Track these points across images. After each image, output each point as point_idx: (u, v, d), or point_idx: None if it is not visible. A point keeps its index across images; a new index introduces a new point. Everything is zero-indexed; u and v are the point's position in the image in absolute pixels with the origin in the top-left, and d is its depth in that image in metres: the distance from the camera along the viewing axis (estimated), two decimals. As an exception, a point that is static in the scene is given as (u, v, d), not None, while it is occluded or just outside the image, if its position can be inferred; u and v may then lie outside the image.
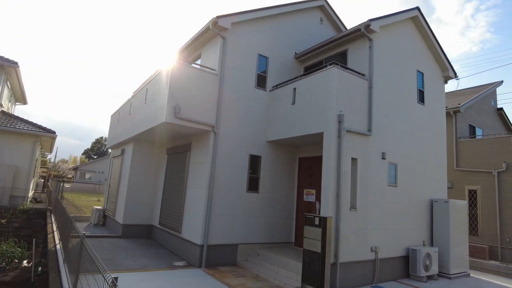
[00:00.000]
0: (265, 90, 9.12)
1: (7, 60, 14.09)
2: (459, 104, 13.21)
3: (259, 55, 9.12)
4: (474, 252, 11.14)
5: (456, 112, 13.22)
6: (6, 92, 15.47)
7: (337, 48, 8.88)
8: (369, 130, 7.71)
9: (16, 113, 19.61)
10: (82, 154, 71.47)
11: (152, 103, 8.51)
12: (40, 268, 6.03)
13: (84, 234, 4.63)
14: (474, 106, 14.34)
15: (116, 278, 2.80)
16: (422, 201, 8.97)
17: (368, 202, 7.50)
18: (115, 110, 13.34)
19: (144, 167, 10.85)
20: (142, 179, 10.77)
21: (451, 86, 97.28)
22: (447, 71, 10.24)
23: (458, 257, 8.79)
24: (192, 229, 8.17)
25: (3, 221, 10.33)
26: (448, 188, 12.43)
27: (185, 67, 7.87)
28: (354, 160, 7.43)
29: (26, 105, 20.09)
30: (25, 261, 6.25)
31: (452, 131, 13.20)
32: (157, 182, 11.06)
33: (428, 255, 8.10)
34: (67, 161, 72.08)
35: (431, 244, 9.00)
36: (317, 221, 6.16)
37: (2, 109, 15.35)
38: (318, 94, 7.56)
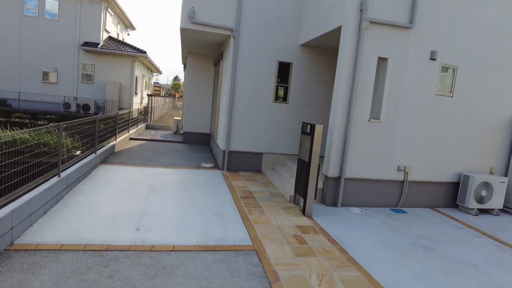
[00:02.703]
0: (299, -16, 7.81)
1: (102, -13, 15.95)
2: None
3: None
4: None
5: None
6: (110, 19, 17.84)
7: None
8: (411, 22, 5.90)
9: (129, 39, 22.70)
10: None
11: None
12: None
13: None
14: None
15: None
16: (496, 118, 6.78)
17: (399, 113, 6.14)
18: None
19: (198, 79, 11.39)
20: (197, 90, 11.42)
21: None
22: None
23: (544, 192, 6.64)
24: (220, 136, 8.50)
25: (101, 125, 12.91)
26: None
27: (198, -35, 7.33)
28: (382, 60, 6.00)
29: (135, 30, 22.93)
30: (79, 151, 7.84)
31: None
32: (210, 93, 11.58)
33: (486, 185, 6.38)
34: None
35: (505, 174, 6.99)
36: (308, 129, 5.50)
37: (110, 34, 17.96)
38: (341, -22, 6.04)
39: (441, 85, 6.35)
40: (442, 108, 6.39)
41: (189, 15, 7.28)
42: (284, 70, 8.08)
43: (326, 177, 6.10)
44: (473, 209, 6.42)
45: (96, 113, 16.20)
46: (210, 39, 8.58)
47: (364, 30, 5.68)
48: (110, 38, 17.73)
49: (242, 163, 8.17)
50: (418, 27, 5.97)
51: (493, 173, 6.88)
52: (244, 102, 7.91)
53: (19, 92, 15.70)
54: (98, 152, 7.35)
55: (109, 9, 17.46)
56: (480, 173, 6.76)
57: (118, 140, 9.34)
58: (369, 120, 6.00)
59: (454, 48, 6.24)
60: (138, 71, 18.28)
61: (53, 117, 14.42)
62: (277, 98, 8.13)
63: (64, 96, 16.14)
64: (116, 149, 9.09)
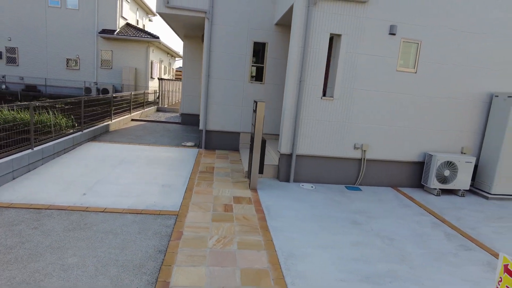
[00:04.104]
0: (272, -38, 7.79)
1: (116, -24, 16.73)
2: None
3: None
4: None
5: None
6: (126, 6, 18.70)
7: None
8: (366, -5, 5.77)
9: (151, 25, 23.61)
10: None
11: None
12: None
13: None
14: None
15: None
16: (469, 95, 6.44)
17: (355, 90, 6.09)
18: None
19: (192, 61, 11.76)
20: (192, 72, 11.80)
21: None
22: None
23: (517, 174, 6.27)
24: (201, 116, 8.89)
25: (112, 109, 13.87)
26: None
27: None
28: (336, 36, 5.96)
29: (156, 16, 23.77)
30: (71, 130, 8.65)
31: None
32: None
33: (450, 164, 6.17)
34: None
35: (478, 154, 6.67)
36: (254, 107, 5.69)
37: (127, 21, 18.86)
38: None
39: (403, 61, 6.16)
40: (405, 85, 6.22)
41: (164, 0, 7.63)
42: (259, 50, 8.21)
43: (280, 153, 6.28)
44: (435, 189, 6.27)
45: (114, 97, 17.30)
46: (191, 22, 8.89)
47: (313, 6, 5.67)
48: (127, 24, 18.66)
49: (220, 142, 8.53)
50: (375, 0, 5.81)
51: (464, 153, 6.61)
52: (220, 82, 8.19)
53: (45, 79, 17.24)
54: (86, 130, 8.08)
55: (125, -3, 18.38)
56: (451, 153, 6.53)
57: (114, 120, 10.10)
58: (321, 98, 6.04)
59: (416, 22, 6.00)
60: (154, 56, 19.12)
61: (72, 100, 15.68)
62: (253, 78, 8.30)
63: (85, 81, 17.45)
64: (111, 129, 9.85)
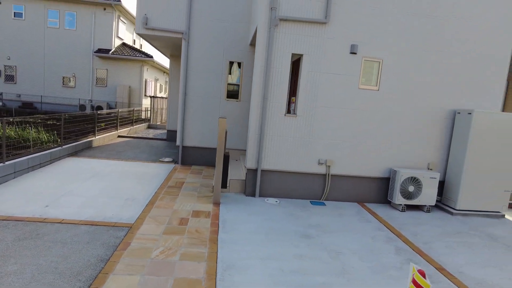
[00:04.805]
0: (247, -14, 8.19)
1: (112, -2, 17.48)
2: None
3: None
4: None
5: None
6: (123, 26, 19.39)
7: None
8: (326, 17, 6.04)
9: (148, 45, 24.31)
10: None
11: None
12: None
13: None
14: None
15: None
16: (433, 111, 6.58)
17: (317, 107, 6.28)
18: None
19: (177, 81, 12.07)
20: (176, 90, 12.06)
21: None
22: None
23: (481, 190, 6.31)
24: (178, 132, 9.10)
25: (102, 124, 14.18)
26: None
27: (149, -26, 8.03)
28: (298, 56, 6.20)
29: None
30: (52, 145, 8.86)
31: None
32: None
33: (414, 180, 6.25)
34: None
35: (444, 170, 6.75)
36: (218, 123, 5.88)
37: (123, 41, 19.50)
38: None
39: (365, 79, 6.36)
40: (368, 102, 6.39)
41: (143, 21, 8.00)
42: (235, 69, 8.49)
43: (247, 168, 6.41)
44: (400, 205, 6.33)
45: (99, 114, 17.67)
46: (172, 42, 9.25)
47: (274, 27, 5.95)
48: (123, 44, 19.29)
49: (198, 158, 8.70)
50: (335, 21, 6.08)
51: (431, 169, 6.69)
52: (197, 100, 8.44)
53: (41, 96, 17.73)
54: (66, 146, 8.31)
55: (121, 18, 19.05)
56: (417, 169, 6.62)
57: (98, 136, 10.34)
58: (285, 115, 6.23)
59: (377, 41, 6.24)
60: (149, 74, 19.63)
61: (53, 116, 16.09)
62: (229, 96, 8.55)
63: (79, 99, 17.91)
64: (95, 144, 10.08)
